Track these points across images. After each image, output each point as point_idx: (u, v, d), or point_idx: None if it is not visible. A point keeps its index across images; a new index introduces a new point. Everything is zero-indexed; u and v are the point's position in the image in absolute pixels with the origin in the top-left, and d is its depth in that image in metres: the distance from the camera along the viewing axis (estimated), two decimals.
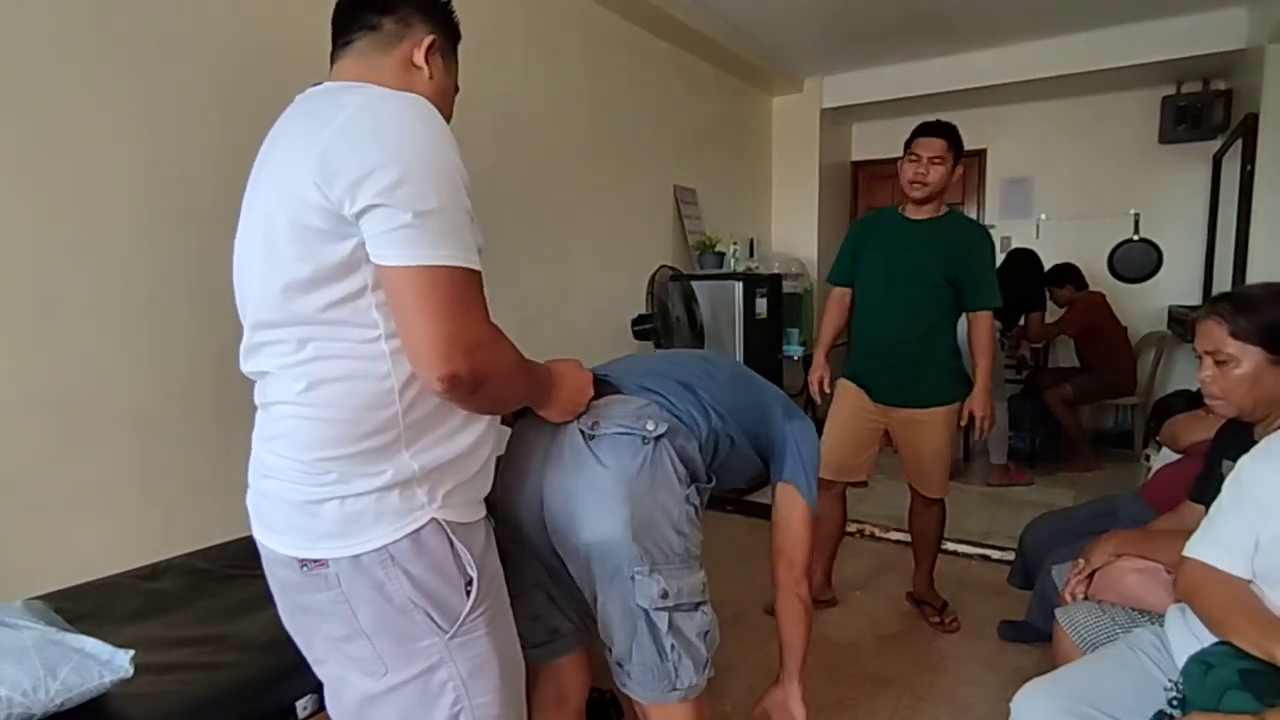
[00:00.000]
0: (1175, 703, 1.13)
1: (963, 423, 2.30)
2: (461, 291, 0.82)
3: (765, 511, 1.47)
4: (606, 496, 1.11)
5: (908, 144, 2.27)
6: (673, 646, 1.14)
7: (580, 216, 3.17)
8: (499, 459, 1.21)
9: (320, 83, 0.94)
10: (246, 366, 0.92)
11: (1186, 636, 1.19)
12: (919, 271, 2.26)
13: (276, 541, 0.90)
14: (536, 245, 2.89)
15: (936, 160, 2.21)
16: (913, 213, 2.32)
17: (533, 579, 1.25)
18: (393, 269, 0.80)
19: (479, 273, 0.86)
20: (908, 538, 3.22)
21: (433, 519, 0.88)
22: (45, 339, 1.55)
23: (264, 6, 1.83)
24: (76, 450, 1.60)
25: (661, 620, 1.13)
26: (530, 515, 1.17)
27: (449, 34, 1.03)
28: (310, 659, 1.02)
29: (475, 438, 0.95)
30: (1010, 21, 3.78)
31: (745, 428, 1.31)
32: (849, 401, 2.38)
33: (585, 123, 3.18)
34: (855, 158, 5.48)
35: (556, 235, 3.02)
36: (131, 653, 1.06)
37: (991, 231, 5.01)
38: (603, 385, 1.22)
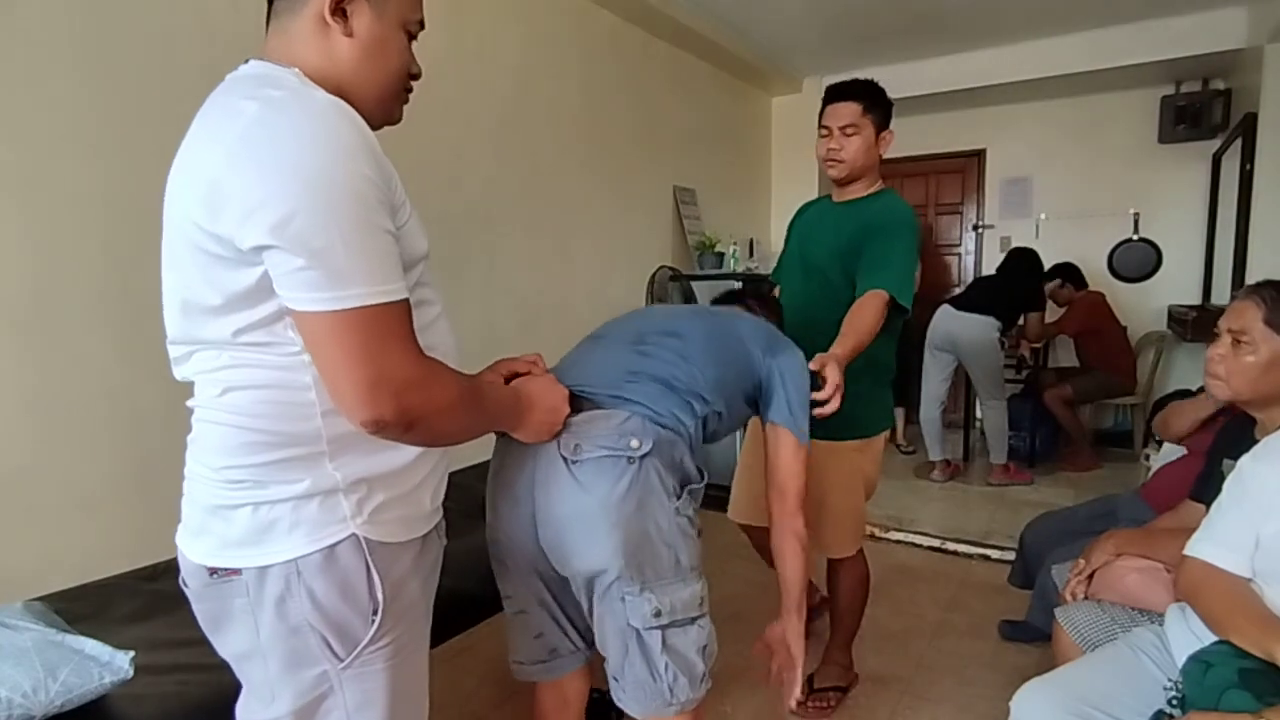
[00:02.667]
0: (1175, 702, 1.13)
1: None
2: (380, 329, 0.74)
3: None
4: (594, 525, 1.09)
5: (820, 115, 1.85)
6: (666, 665, 1.12)
7: (579, 217, 3.17)
8: (491, 480, 1.24)
9: (249, 59, 0.83)
10: (178, 373, 0.86)
11: (1186, 636, 1.19)
12: (820, 269, 1.85)
13: (190, 546, 0.84)
14: (536, 246, 2.89)
15: (850, 130, 1.78)
16: (837, 195, 1.91)
17: (537, 597, 1.23)
18: (300, 314, 0.73)
19: (401, 302, 0.76)
20: (909, 538, 3.25)
21: (353, 534, 0.81)
22: (44, 340, 1.55)
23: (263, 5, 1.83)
24: (76, 451, 1.60)
25: (654, 639, 1.11)
26: (527, 538, 1.16)
27: None
28: None
29: (415, 452, 0.87)
30: (1008, 22, 3.78)
31: (730, 394, 1.29)
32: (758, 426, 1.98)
33: (584, 123, 3.18)
34: None
35: (556, 235, 3.02)
36: (131, 654, 1.06)
37: (991, 231, 5.12)
38: (579, 400, 1.15)
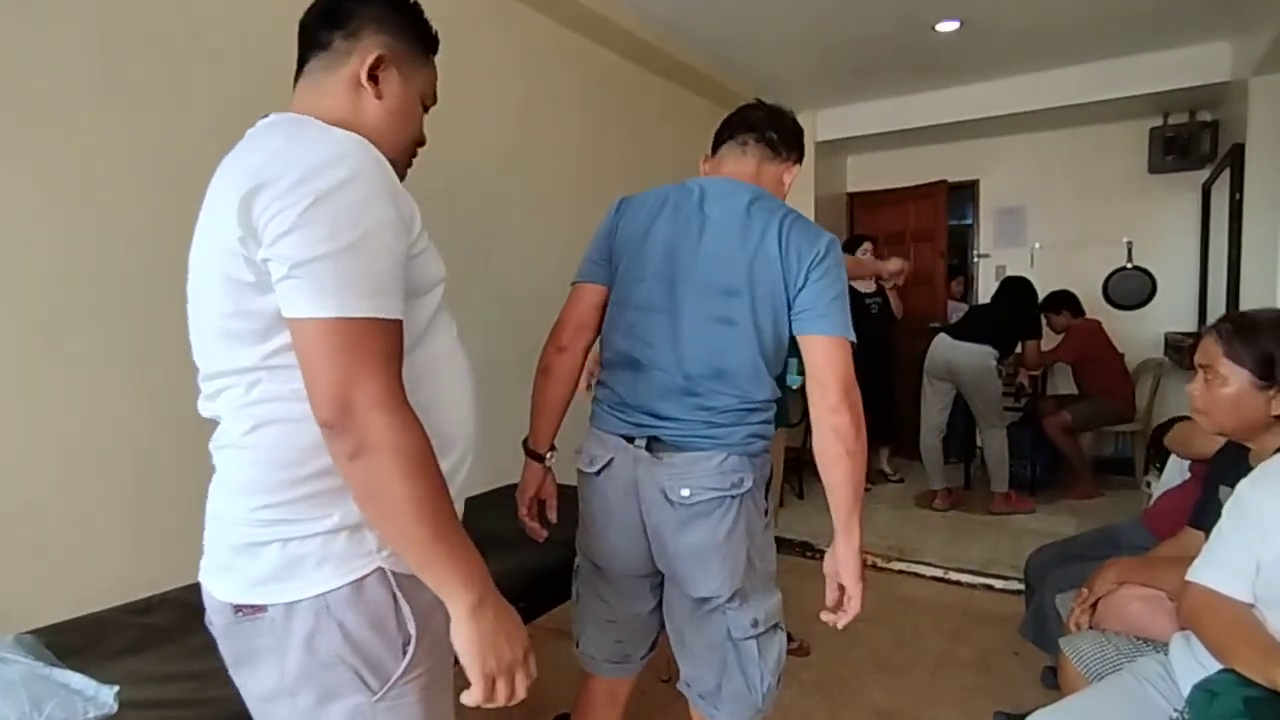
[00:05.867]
0: None
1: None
2: (367, 343, 0.73)
3: None
4: (708, 560, 1.19)
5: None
6: (761, 677, 1.23)
7: (579, 249, 3.19)
8: (595, 514, 1.31)
9: (268, 114, 0.88)
10: (205, 412, 0.87)
11: (1191, 664, 1.18)
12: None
13: (216, 583, 0.85)
14: (537, 280, 2.91)
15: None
16: None
17: (635, 613, 1.34)
18: (291, 321, 0.74)
19: (392, 323, 0.76)
20: (911, 568, 3.22)
21: (379, 567, 0.81)
22: (45, 374, 1.55)
23: (267, 40, 1.87)
24: (74, 485, 1.59)
25: (750, 649, 1.23)
26: (642, 566, 1.28)
27: (412, 43, 0.93)
28: None
29: None
30: (1000, 56, 3.87)
31: (781, 333, 1.25)
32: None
33: (583, 156, 3.23)
34: (850, 189, 5.55)
35: (556, 269, 3.04)
36: (116, 688, 1.05)
37: (986, 260, 5.16)
38: (662, 425, 1.23)
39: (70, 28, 1.57)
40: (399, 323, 0.78)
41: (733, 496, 1.19)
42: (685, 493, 1.18)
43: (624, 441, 1.25)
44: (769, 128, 1.36)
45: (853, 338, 1.21)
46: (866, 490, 4.32)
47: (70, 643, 1.33)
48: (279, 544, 0.79)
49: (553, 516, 1.45)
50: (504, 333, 2.74)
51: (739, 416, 1.22)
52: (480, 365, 2.59)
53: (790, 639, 2.45)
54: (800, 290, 1.21)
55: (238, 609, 0.81)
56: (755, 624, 1.21)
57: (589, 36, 3.20)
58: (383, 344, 0.75)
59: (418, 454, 0.75)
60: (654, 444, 1.22)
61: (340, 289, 0.73)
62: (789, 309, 1.22)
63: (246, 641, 0.83)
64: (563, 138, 3.11)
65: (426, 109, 0.98)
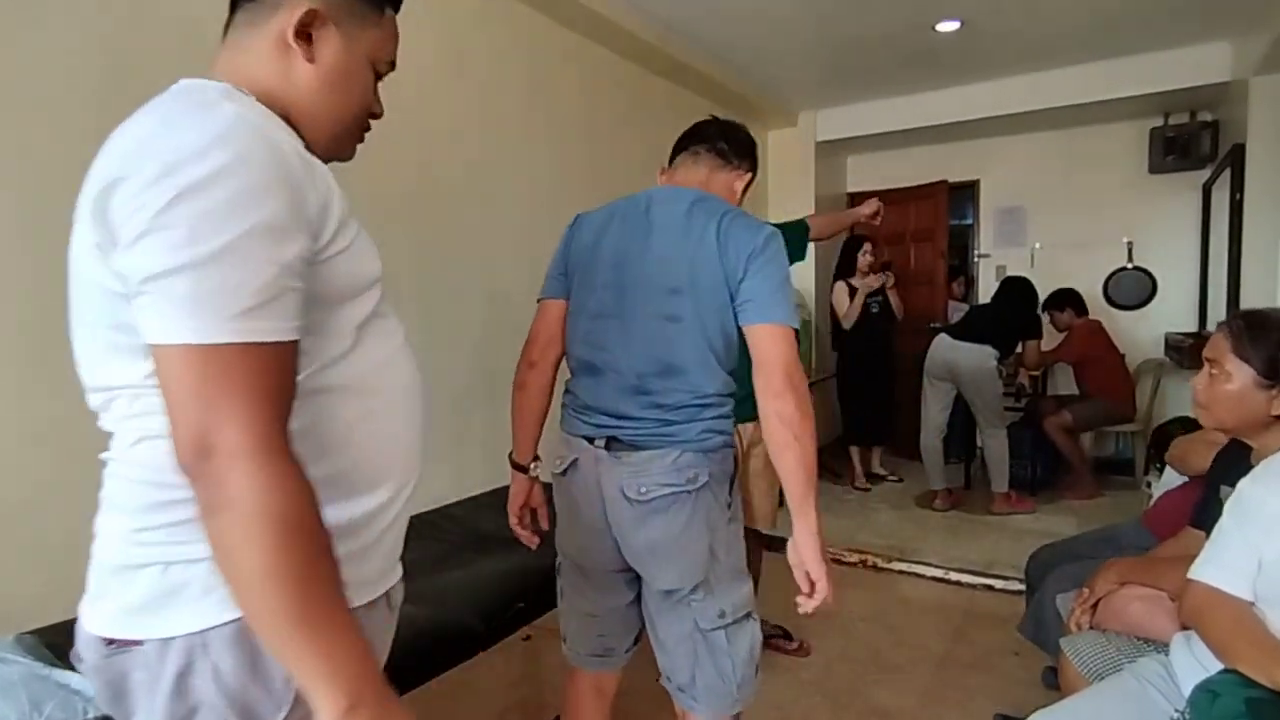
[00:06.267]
0: None
1: None
2: (222, 379, 0.60)
3: None
4: (669, 553, 1.24)
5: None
6: (733, 667, 1.27)
7: None
8: (564, 514, 1.35)
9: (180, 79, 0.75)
10: (103, 422, 0.77)
11: (1192, 665, 1.18)
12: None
13: (87, 614, 0.74)
14: (537, 280, 2.90)
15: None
16: None
17: (613, 606, 1.38)
18: (152, 348, 0.63)
19: (269, 349, 0.63)
20: (911, 568, 3.22)
21: None
22: (45, 372, 1.55)
23: None
24: (73, 485, 1.59)
25: (719, 639, 1.26)
26: (612, 561, 1.31)
27: None
28: None
29: (364, 507, 0.75)
30: (1000, 56, 3.87)
31: (729, 328, 1.26)
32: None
33: (583, 156, 3.23)
34: (850, 189, 5.55)
35: None
36: None
37: (986, 260, 5.16)
38: (622, 425, 1.27)
39: (70, 28, 1.57)
40: (288, 346, 0.65)
41: (688, 492, 1.23)
42: (642, 490, 1.23)
43: (585, 442, 1.30)
44: (720, 138, 1.44)
45: (796, 325, 1.24)
46: (865, 491, 4.37)
47: (70, 643, 1.33)
48: (159, 567, 0.68)
49: (544, 523, 1.49)
50: (503, 334, 2.73)
51: (692, 413, 1.26)
52: (479, 367, 2.59)
53: (790, 639, 2.48)
54: (741, 281, 1.23)
55: (109, 642, 0.70)
56: (722, 615, 1.26)
57: (589, 37, 3.20)
58: (256, 376, 0.62)
59: (286, 517, 0.61)
60: (612, 443, 1.27)
61: (199, 309, 0.60)
62: (733, 301, 1.25)
63: (119, 678, 0.71)
64: (563, 138, 3.11)
65: (380, 76, 0.83)
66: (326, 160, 0.78)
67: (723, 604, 1.26)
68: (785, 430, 1.18)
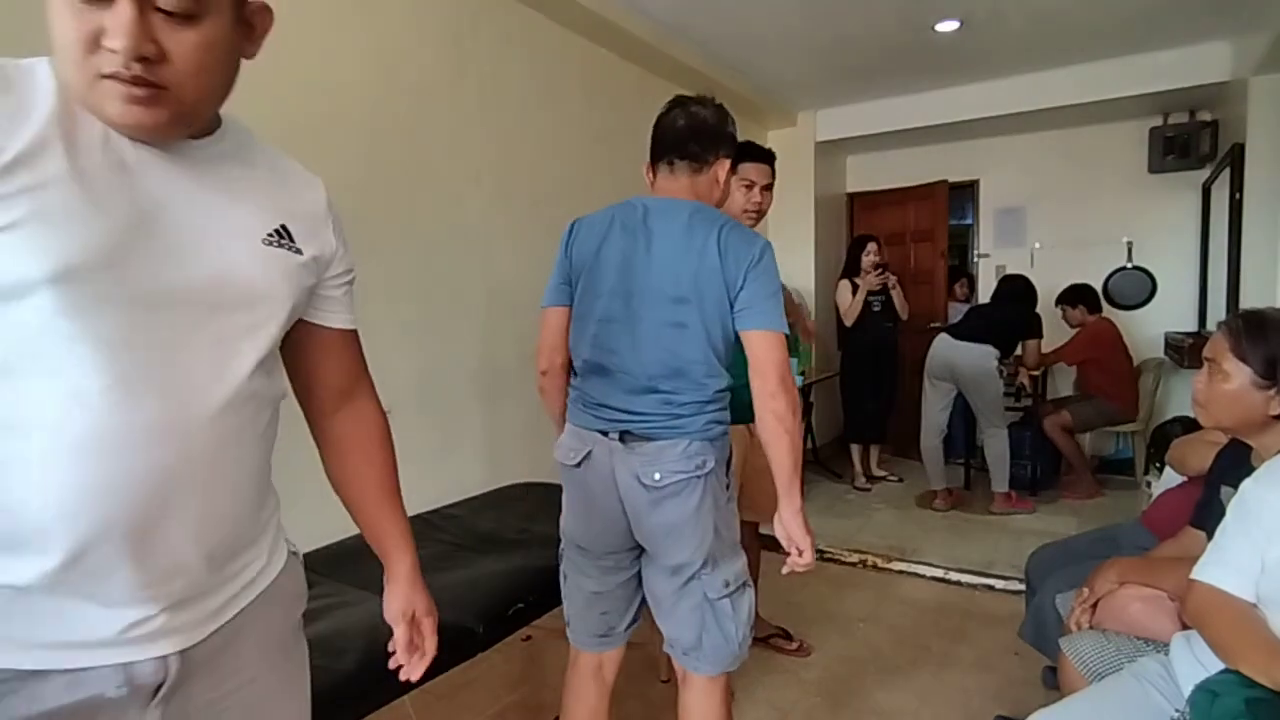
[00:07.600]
0: None
1: None
2: None
3: None
4: (681, 533, 1.36)
5: (742, 168, 2.02)
6: (736, 628, 1.40)
7: None
8: (577, 502, 1.44)
9: None
10: None
11: (1192, 665, 1.18)
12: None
13: None
14: (538, 281, 2.91)
15: (769, 187, 2.12)
16: None
17: (618, 584, 1.49)
18: None
19: None
20: (911, 568, 3.22)
21: None
22: None
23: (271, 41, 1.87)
24: None
25: (725, 607, 1.39)
26: (622, 543, 1.43)
27: None
28: None
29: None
30: (1000, 56, 3.87)
31: (727, 330, 1.38)
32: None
33: (584, 157, 3.23)
34: (850, 189, 5.55)
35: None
36: None
37: (986, 260, 5.16)
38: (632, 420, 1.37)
39: None
40: None
41: (698, 476, 1.35)
42: (657, 476, 1.34)
43: (600, 435, 1.41)
44: (690, 139, 1.46)
45: (786, 330, 1.37)
46: (866, 491, 4.37)
47: None
48: None
49: None
50: (504, 334, 2.74)
51: (698, 407, 1.38)
52: (479, 367, 2.59)
53: (790, 639, 2.48)
54: (739, 290, 1.36)
55: None
56: (726, 584, 1.39)
57: (589, 37, 3.21)
58: None
59: None
60: (626, 436, 1.38)
61: None
62: (731, 308, 1.37)
63: None
64: (563, 138, 3.11)
65: None
66: (121, 131, 0.64)
67: (726, 575, 1.39)
68: (779, 426, 1.33)
